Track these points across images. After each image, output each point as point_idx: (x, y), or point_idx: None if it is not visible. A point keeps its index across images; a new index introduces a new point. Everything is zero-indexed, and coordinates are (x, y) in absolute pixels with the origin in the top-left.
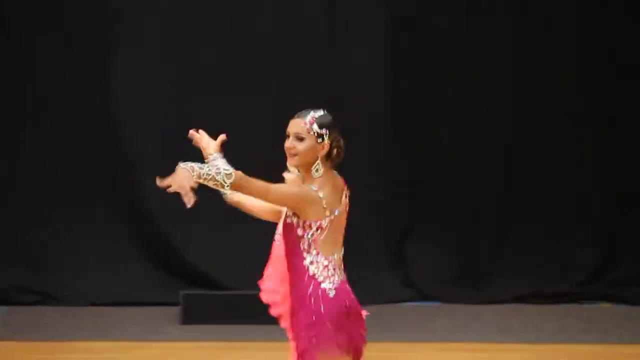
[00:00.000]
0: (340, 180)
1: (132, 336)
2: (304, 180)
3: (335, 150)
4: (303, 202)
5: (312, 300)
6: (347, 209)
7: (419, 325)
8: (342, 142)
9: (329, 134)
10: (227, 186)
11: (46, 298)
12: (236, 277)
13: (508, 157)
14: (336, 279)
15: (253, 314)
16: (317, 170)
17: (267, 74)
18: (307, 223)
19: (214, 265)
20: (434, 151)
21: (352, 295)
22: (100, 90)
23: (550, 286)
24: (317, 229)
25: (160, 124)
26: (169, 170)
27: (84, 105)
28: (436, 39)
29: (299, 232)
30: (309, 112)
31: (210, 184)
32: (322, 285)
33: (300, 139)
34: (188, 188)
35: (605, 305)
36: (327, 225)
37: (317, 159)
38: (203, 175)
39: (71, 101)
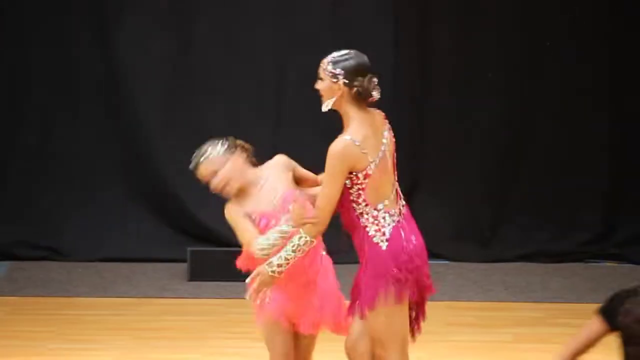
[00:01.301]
0: (379, 117)
1: (139, 292)
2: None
3: (355, 91)
4: (351, 162)
5: (368, 256)
6: (394, 143)
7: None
8: (365, 83)
9: (345, 74)
10: (309, 245)
11: (52, 253)
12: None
13: (514, 118)
14: (387, 229)
15: None
16: (326, 106)
17: (271, 44)
18: (354, 174)
19: (221, 222)
20: (440, 110)
21: (408, 242)
22: (105, 52)
23: (555, 245)
24: (364, 178)
25: (166, 83)
26: (175, 128)
27: (87, 65)
28: None
29: (347, 183)
30: (332, 53)
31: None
32: (374, 240)
33: (320, 78)
34: (261, 289)
35: (610, 264)
36: (373, 172)
37: (337, 100)
38: (283, 263)
39: (74, 62)
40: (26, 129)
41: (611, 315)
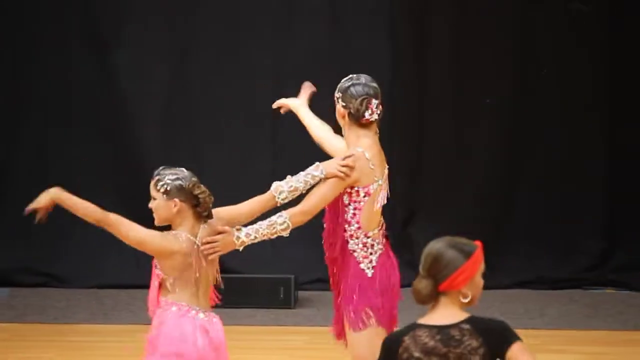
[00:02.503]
0: (383, 155)
1: (138, 319)
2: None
3: (349, 112)
4: (360, 171)
5: (353, 280)
6: (388, 183)
7: (424, 309)
8: (357, 102)
9: (343, 96)
10: (285, 227)
11: (51, 280)
12: (242, 261)
13: (514, 143)
14: (374, 257)
15: (258, 298)
16: (348, 132)
17: (271, 56)
18: (355, 189)
19: None
20: (439, 136)
21: (392, 271)
22: (104, 72)
23: (553, 272)
24: (364, 195)
25: (165, 103)
26: (174, 154)
27: (87, 84)
28: None
29: (345, 199)
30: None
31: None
32: (361, 266)
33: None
34: (219, 253)
35: (609, 291)
36: (373, 193)
37: (343, 122)
38: (250, 240)
39: (74, 80)
40: (24, 155)
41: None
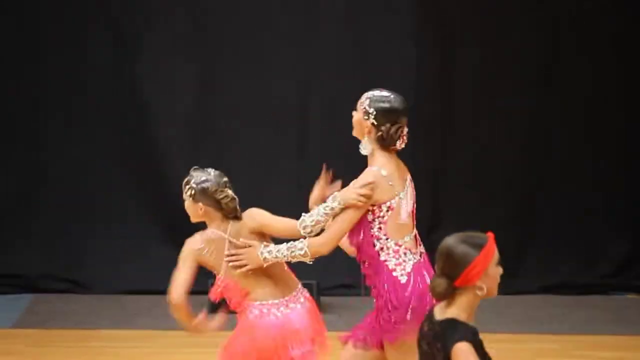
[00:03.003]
0: (403, 167)
1: (161, 325)
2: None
3: (379, 134)
4: (376, 191)
5: (387, 289)
6: (414, 195)
7: None
8: (392, 130)
9: (377, 115)
10: (304, 258)
11: (74, 286)
12: None
13: (534, 149)
14: (408, 264)
15: None
16: (364, 148)
17: (294, 60)
18: (377, 205)
19: None
20: (459, 142)
21: (425, 282)
22: (125, 75)
23: (577, 277)
24: (387, 210)
25: (188, 115)
26: (196, 158)
27: (109, 92)
28: None
29: (369, 217)
30: (375, 90)
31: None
32: (394, 273)
33: (356, 110)
34: (247, 268)
35: (632, 297)
36: (396, 206)
37: (364, 136)
38: (272, 259)
39: (96, 87)
40: (46, 159)
41: None
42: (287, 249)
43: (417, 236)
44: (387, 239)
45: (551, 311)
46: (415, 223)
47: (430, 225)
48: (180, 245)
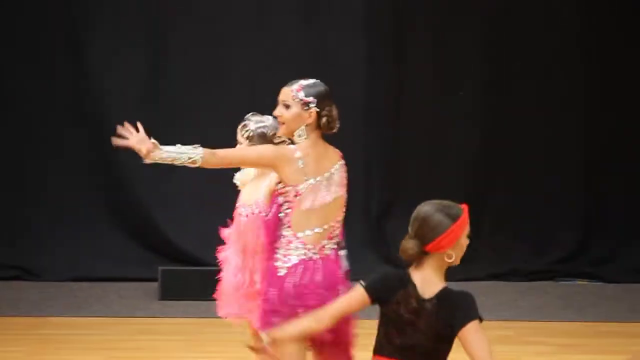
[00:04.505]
0: (332, 152)
1: (111, 312)
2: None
3: (324, 119)
4: (279, 159)
5: (268, 276)
6: (344, 184)
7: None
8: (334, 112)
9: (317, 102)
10: (197, 159)
11: (24, 273)
12: (215, 254)
13: (489, 137)
14: (294, 257)
15: None
16: (299, 136)
17: (245, 61)
18: (288, 187)
19: (192, 242)
20: (414, 129)
21: (309, 281)
22: (79, 69)
23: (526, 264)
24: (294, 195)
25: (139, 101)
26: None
27: (62, 83)
28: None
29: (280, 199)
30: (298, 81)
31: (177, 163)
32: (277, 263)
33: (287, 106)
34: (143, 149)
35: (581, 283)
36: (304, 193)
37: (301, 127)
38: (165, 155)
39: (49, 79)
40: (1, 153)
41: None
42: (179, 154)
43: (333, 230)
44: (288, 227)
45: (501, 298)
46: (339, 215)
47: (382, 210)
48: (132, 234)
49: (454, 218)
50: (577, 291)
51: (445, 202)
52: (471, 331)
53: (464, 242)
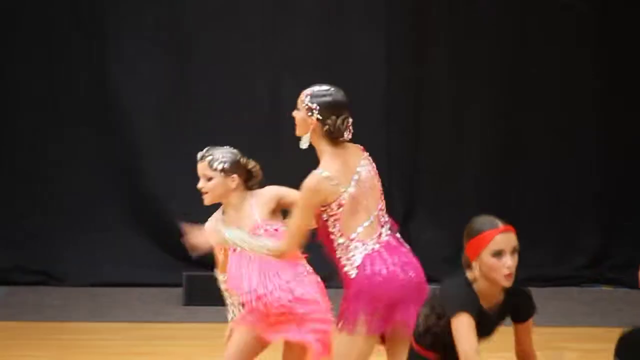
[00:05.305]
0: (353, 150)
1: (134, 317)
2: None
3: (326, 128)
4: (320, 195)
5: (344, 284)
6: (375, 174)
7: None
8: (338, 122)
9: (319, 111)
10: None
11: (47, 278)
12: None
13: (510, 141)
14: (358, 257)
15: None
16: (304, 143)
17: (266, 58)
18: (327, 205)
19: None
20: (434, 129)
21: (376, 273)
22: (98, 74)
23: (551, 269)
24: (338, 207)
25: (160, 107)
26: (173, 154)
27: (83, 89)
28: None
29: (324, 216)
30: (314, 86)
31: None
32: (345, 269)
33: (297, 108)
34: (202, 248)
35: (606, 288)
36: (347, 201)
37: (309, 132)
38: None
39: (69, 84)
40: (20, 154)
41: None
42: (255, 245)
43: (381, 219)
44: (340, 235)
45: None
46: (379, 203)
47: (405, 213)
48: (156, 239)
49: (477, 232)
50: (601, 297)
51: (490, 217)
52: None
53: (489, 260)
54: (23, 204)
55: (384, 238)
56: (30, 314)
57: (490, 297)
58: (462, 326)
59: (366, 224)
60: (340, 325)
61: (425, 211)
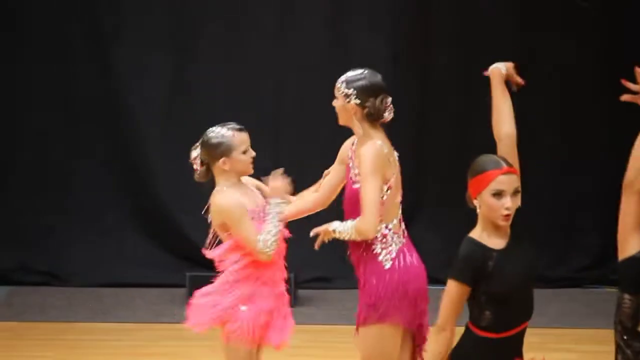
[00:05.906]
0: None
1: (138, 318)
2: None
3: (366, 111)
4: (381, 161)
5: (369, 273)
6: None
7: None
8: (377, 101)
9: (358, 94)
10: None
11: (50, 279)
12: None
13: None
14: (394, 248)
15: None
16: (358, 129)
17: (270, 58)
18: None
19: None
20: (439, 130)
21: (410, 265)
22: (104, 73)
23: (553, 270)
24: (387, 190)
25: (166, 106)
26: (177, 155)
27: (87, 87)
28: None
29: None
30: (347, 73)
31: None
32: (379, 258)
33: (335, 97)
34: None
35: (609, 290)
36: (394, 185)
37: (352, 119)
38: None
39: (74, 83)
40: (23, 154)
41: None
42: (346, 230)
43: (401, 217)
44: (380, 221)
45: None
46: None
47: (409, 216)
48: (159, 240)
49: (481, 171)
50: (604, 298)
51: (498, 157)
52: None
53: (488, 199)
54: (27, 204)
55: (405, 232)
56: (34, 314)
57: (500, 232)
58: (446, 293)
59: (399, 216)
60: (367, 317)
61: (428, 213)
